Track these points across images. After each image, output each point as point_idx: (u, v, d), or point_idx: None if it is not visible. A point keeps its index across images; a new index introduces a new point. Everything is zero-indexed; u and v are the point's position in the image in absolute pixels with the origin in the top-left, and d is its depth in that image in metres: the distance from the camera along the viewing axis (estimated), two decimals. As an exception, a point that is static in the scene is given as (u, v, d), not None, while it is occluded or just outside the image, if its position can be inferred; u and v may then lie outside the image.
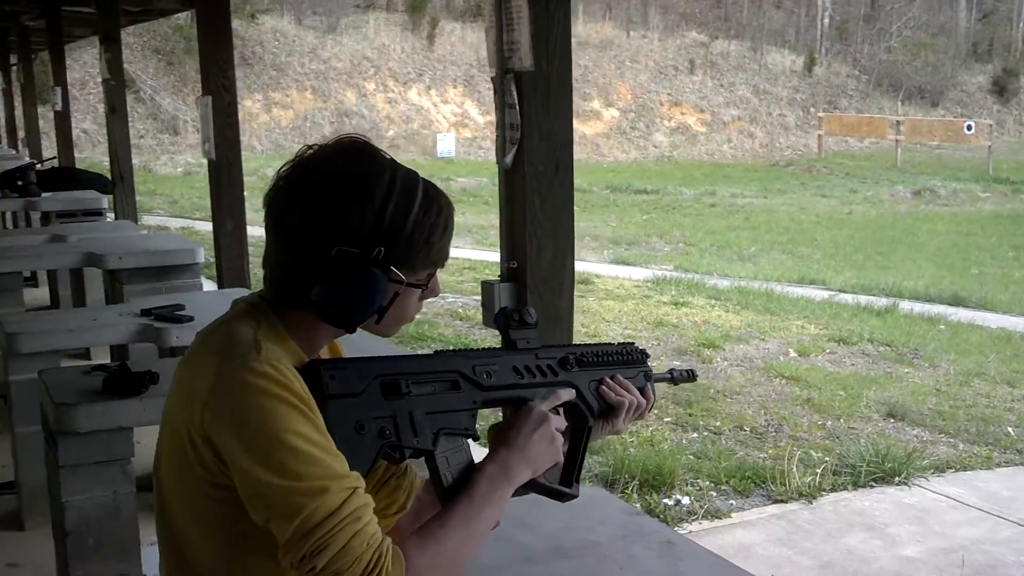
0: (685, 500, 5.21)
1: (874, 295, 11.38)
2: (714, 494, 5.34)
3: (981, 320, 10.21)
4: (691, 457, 5.84)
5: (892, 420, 6.79)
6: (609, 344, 1.83)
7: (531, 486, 1.62)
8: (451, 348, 1.66)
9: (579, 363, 1.73)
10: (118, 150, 7.81)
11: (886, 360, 8.40)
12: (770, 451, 6.05)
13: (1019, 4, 48.60)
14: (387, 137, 33.29)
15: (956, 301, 11.17)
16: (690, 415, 6.65)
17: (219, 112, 5.21)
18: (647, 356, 1.88)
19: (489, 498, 1.50)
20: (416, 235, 1.46)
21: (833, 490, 5.45)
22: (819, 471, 5.56)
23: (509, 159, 2.87)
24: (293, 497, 1.29)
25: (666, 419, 6.55)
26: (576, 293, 10.17)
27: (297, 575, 1.30)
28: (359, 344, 1.69)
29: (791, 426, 6.53)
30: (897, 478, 5.57)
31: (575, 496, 1.74)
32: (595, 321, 9.39)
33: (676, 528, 4.84)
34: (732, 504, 5.25)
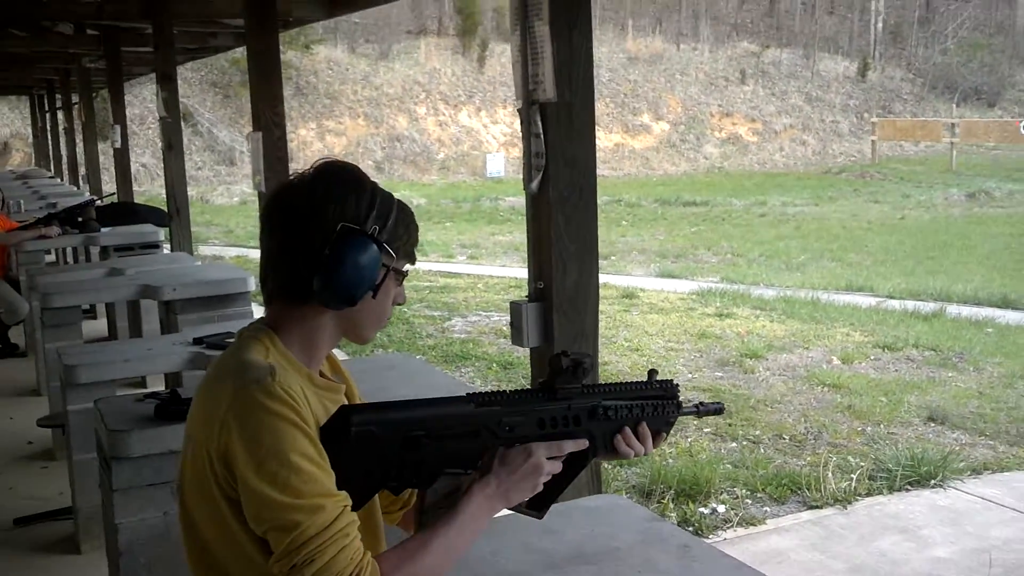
0: (721, 508, 5.33)
1: (922, 300, 11.36)
2: (750, 502, 5.45)
3: (1030, 322, 10.17)
4: (729, 466, 5.95)
5: (932, 424, 6.84)
6: (652, 386, 1.85)
7: None
8: (487, 392, 1.71)
9: (607, 416, 1.77)
10: (174, 185, 8.11)
11: (930, 365, 8.43)
12: (808, 458, 6.13)
13: (1076, -1, 47.75)
14: (438, 160, 33.68)
15: (1005, 304, 11.12)
16: (730, 425, 6.76)
17: (269, 146, 5.42)
18: (680, 405, 1.88)
19: (469, 528, 1.65)
20: (400, 221, 1.69)
21: (868, 495, 5.52)
22: (855, 476, 5.65)
23: (535, 185, 3.03)
24: (292, 513, 1.46)
25: (706, 430, 6.67)
26: (620, 308, 10.30)
27: None
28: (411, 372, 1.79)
29: (830, 433, 6.62)
30: (932, 481, 5.63)
31: (539, 518, 1.82)
32: (638, 335, 9.52)
33: (710, 536, 4.98)
34: (767, 511, 5.35)
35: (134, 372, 4.53)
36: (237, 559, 1.58)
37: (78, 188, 13.70)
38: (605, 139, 34.50)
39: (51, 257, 10.24)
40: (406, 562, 1.58)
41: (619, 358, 8.65)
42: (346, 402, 1.72)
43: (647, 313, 10.73)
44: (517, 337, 3.15)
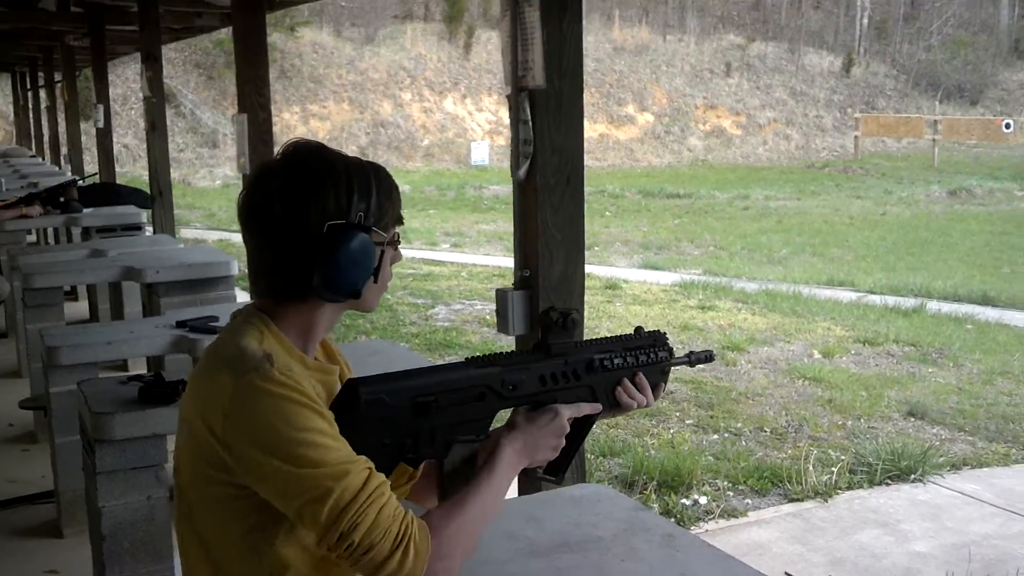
0: (703, 500, 5.34)
1: (903, 296, 11.43)
2: (731, 494, 5.47)
3: (1009, 319, 10.24)
4: (711, 458, 5.97)
5: (912, 419, 6.88)
6: (642, 338, 1.94)
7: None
8: (484, 355, 1.75)
9: (604, 368, 1.85)
10: (157, 166, 8.07)
11: (910, 360, 8.48)
12: (789, 451, 6.16)
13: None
14: (422, 146, 33.58)
15: (985, 300, 11.20)
16: (711, 417, 6.78)
17: (254, 129, 5.38)
18: (672, 353, 1.98)
19: (504, 481, 1.69)
20: (381, 196, 1.66)
21: (849, 488, 5.55)
22: (835, 470, 5.67)
23: (522, 172, 3.02)
24: (321, 481, 1.45)
25: (688, 421, 6.69)
26: (603, 298, 10.31)
27: (335, 553, 1.48)
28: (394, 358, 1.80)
29: (811, 426, 6.65)
30: (912, 476, 5.67)
31: (559, 483, 1.90)
32: (621, 326, 9.52)
33: (692, 527, 4.99)
34: (748, 503, 5.38)
35: (117, 354, 4.48)
36: (230, 544, 1.59)
37: (60, 168, 13.60)
38: (590, 129, 34.48)
39: (32, 237, 10.16)
40: (453, 510, 1.61)
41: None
42: (339, 384, 1.71)
43: (630, 304, 10.74)
44: (503, 325, 3.15)
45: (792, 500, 5.42)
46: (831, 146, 38.27)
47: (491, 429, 1.76)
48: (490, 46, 36.79)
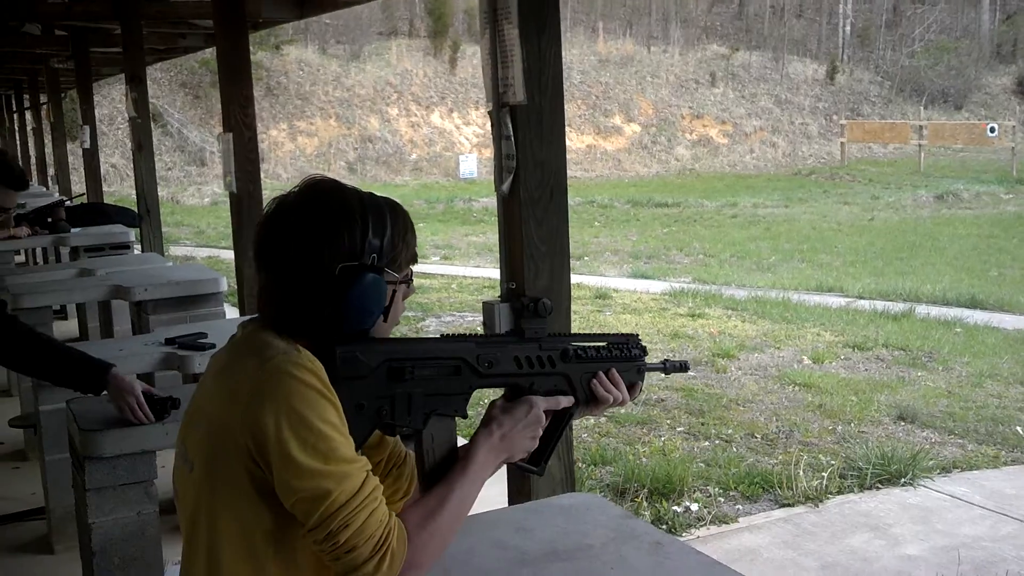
0: (694, 507, 5.35)
1: (892, 300, 11.47)
2: (722, 500, 5.48)
3: (998, 322, 10.29)
4: (702, 465, 5.99)
5: (902, 423, 6.90)
6: (615, 335, 1.99)
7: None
8: (458, 333, 1.80)
9: (578, 358, 1.90)
10: (145, 186, 8.08)
11: (900, 364, 8.51)
12: (780, 457, 6.17)
13: (1041, 3, 48.34)
14: (410, 161, 33.63)
15: (974, 304, 11.24)
16: (702, 424, 6.80)
17: (240, 147, 5.39)
18: (645, 352, 2.02)
19: (479, 479, 1.73)
20: (396, 238, 1.68)
21: (839, 493, 5.56)
22: (826, 475, 5.69)
23: (506, 187, 3.04)
24: (322, 481, 1.49)
25: (679, 428, 6.70)
26: (593, 308, 10.33)
27: (319, 549, 1.53)
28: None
29: (802, 432, 6.66)
30: (903, 479, 5.68)
31: (540, 474, 1.92)
32: (612, 335, 9.55)
33: (684, 534, 5.00)
34: (740, 509, 5.39)
35: (106, 372, 4.50)
36: (241, 550, 1.60)
37: (47, 189, 13.60)
38: (577, 141, 34.60)
39: (20, 258, 10.15)
40: (428, 519, 1.64)
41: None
42: None
43: (620, 313, 10.77)
44: (491, 336, 3.16)
45: (783, 505, 5.43)
46: (817, 153, 38.44)
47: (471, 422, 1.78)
48: (475, 60, 36.87)
